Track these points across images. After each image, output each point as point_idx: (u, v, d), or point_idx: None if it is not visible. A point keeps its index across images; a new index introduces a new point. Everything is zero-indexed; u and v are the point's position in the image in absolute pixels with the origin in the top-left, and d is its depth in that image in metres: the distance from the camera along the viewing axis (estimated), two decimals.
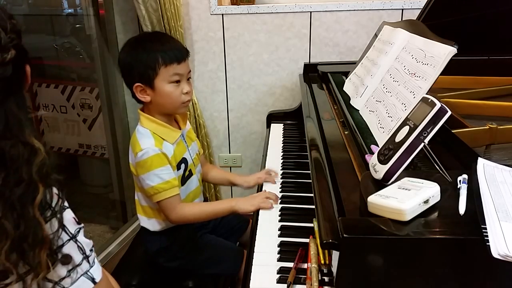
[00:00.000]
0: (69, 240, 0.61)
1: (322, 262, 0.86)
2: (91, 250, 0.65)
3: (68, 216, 0.63)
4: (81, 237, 0.64)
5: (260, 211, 1.18)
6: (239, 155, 2.34)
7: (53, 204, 0.60)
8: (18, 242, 0.55)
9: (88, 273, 0.64)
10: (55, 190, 0.61)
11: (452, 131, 0.90)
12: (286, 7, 2.02)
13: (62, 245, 0.61)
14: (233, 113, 2.26)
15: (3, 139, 0.56)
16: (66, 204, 0.63)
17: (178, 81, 1.17)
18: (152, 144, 1.16)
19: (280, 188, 1.32)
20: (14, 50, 0.59)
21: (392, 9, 1.98)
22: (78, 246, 0.63)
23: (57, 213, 0.60)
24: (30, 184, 0.57)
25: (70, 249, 0.61)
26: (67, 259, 0.61)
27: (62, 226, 0.60)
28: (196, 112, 2.13)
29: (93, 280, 0.64)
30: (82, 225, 0.66)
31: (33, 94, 2.16)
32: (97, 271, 0.66)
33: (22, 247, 0.55)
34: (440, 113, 0.70)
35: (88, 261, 0.64)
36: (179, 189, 1.21)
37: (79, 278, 0.62)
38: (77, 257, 0.62)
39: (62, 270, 0.60)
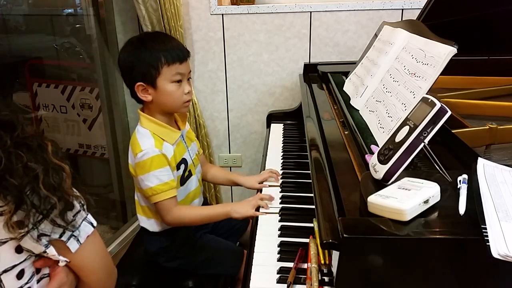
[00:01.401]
0: None
1: (322, 262, 0.86)
2: (82, 199, 0.76)
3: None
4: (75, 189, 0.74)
5: (260, 209, 1.18)
6: (239, 155, 2.34)
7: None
8: (47, 176, 0.68)
9: (87, 218, 0.76)
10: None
11: (452, 131, 0.89)
12: (286, 7, 2.02)
13: None
14: (233, 113, 2.26)
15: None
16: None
17: (179, 81, 1.18)
18: (152, 145, 1.16)
19: (280, 188, 1.32)
20: None
21: (392, 9, 1.98)
22: (76, 195, 0.74)
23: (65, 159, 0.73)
24: (38, 137, 0.70)
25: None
26: (71, 206, 0.71)
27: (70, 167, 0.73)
28: (196, 112, 2.13)
29: (92, 224, 0.77)
30: None
31: (33, 94, 2.17)
32: (92, 218, 0.77)
33: (52, 181, 0.68)
34: (440, 113, 0.70)
35: (84, 209, 0.75)
36: (177, 191, 1.21)
37: (82, 222, 0.74)
38: (77, 204, 0.73)
39: (68, 214, 0.71)
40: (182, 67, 1.17)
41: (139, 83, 1.16)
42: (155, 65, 1.14)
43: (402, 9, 1.98)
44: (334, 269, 0.74)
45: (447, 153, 0.86)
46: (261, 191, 1.33)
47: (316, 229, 0.96)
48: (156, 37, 1.20)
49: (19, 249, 0.68)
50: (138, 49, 1.17)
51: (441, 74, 0.87)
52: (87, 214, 0.76)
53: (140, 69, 1.15)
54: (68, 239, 0.72)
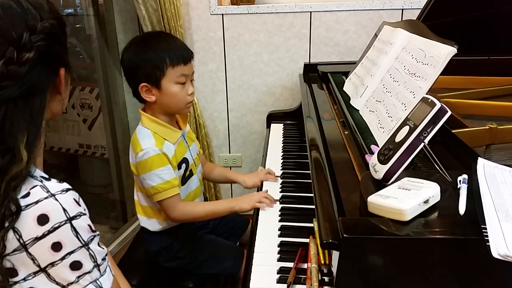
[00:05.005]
0: (81, 247, 0.62)
1: (322, 262, 0.86)
2: (103, 259, 0.66)
3: (83, 223, 0.63)
4: (93, 245, 0.64)
5: (260, 211, 1.18)
6: (239, 155, 2.34)
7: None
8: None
9: (97, 281, 0.65)
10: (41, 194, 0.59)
11: (452, 131, 0.90)
12: (286, 7, 2.02)
13: (73, 251, 0.61)
14: (233, 113, 2.26)
15: None
16: (82, 211, 0.63)
17: (183, 82, 1.18)
18: (152, 144, 1.16)
19: (280, 188, 1.32)
20: (37, 51, 0.60)
21: (392, 9, 1.98)
22: (90, 254, 0.63)
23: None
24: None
25: (81, 256, 0.62)
26: (77, 265, 0.62)
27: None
28: (196, 112, 2.13)
29: None
30: (97, 233, 0.66)
31: None
32: (107, 281, 0.66)
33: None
34: (440, 113, 0.70)
35: (99, 270, 0.65)
36: (180, 189, 1.21)
37: (87, 285, 0.63)
38: (87, 264, 0.63)
39: (71, 275, 0.61)
40: (186, 69, 1.17)
41: (143, 84, 1.16)
42: (160, 66, 1.14)
43: (402, 9, 1.99)
44: (334, 269, 0.74)
45: (447, 153, 0.86)
46: (261, 188, 1.33)
47: (316, 229, 0.96)
48: (161, 37, 1.20)
49: None
50: (142, 49, 1.16)
51: (441, 74, 0.88)
52: (103, 274, 0.66)
53: (144, 69, 1.15)
54: None
